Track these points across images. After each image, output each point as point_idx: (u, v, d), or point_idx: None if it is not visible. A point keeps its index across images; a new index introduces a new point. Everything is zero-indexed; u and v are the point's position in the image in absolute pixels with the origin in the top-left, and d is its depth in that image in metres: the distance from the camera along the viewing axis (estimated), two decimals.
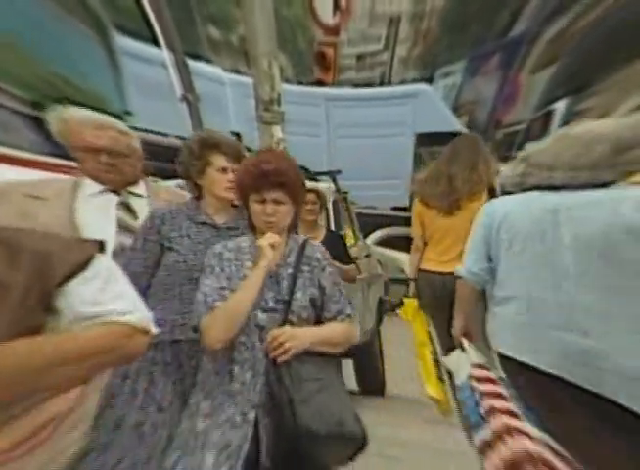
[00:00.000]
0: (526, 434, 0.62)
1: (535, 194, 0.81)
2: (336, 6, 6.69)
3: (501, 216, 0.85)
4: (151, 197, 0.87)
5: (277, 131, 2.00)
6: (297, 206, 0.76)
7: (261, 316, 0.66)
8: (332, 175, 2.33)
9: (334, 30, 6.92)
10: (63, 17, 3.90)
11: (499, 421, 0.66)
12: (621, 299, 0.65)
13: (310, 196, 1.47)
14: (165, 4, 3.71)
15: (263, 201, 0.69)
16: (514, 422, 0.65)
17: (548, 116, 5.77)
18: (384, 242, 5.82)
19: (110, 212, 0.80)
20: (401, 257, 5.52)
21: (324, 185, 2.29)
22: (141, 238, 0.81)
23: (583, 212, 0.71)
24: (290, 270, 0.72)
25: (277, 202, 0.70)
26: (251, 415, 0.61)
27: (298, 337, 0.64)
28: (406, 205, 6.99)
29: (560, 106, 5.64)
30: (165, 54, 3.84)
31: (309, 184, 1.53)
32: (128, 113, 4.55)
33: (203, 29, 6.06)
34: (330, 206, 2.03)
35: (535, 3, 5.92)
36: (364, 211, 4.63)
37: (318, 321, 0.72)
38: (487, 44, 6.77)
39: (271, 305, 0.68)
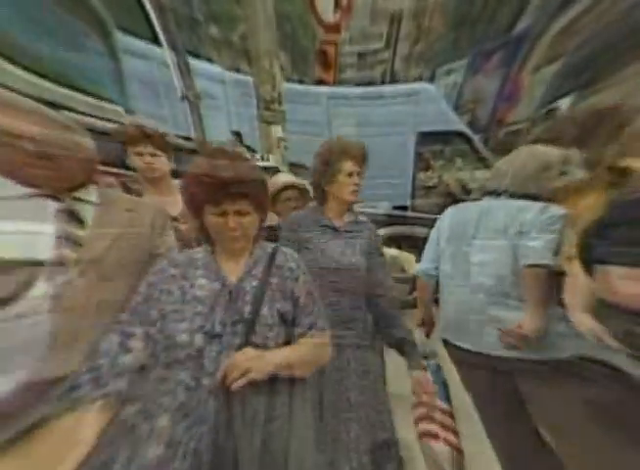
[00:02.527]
0: (435, 406, 0.94)
1: (475, 202, 0.96)
2: (337, 3, 6.65)
3: (447, 221, 1.01)
4: (104, 205, 0.71)
5: (277, 130, 1.99)
6: (264, 214, 0.65)
7: (203, 343, 0.51)
8: None
9: (335, 28, 6.88)
10: (63, 14, 3.89)
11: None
12: (514, 282, 0.82)
13: (292, 193, 1.45)
14: (167, 2, 3.70)
15: (223, 214, 0.57)
16: (433, 412, 0.95)
17: (551, 114, 5.71)
18: (384, 241, 5.81)
19: (41, 222, 0.61)
20: (402, 255, 5.51)
21: None
22: (284, 239, 0.90)
23: (494, 214, 0.89)
24: (255, 283, 0.61)
25: (240, 213, 0.59)
26: None
27: (261, 360, 0.52)
28: (407, 204, 6.98)
29: (564, 103, 5.59)
30: (166, 53, 3.83)
31: (291, 179, 1.51)
32: (130, 111, 4.55)
33: (204, 28, 6.04)
34: None
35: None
36: (365, 210, 4.62)
37: (287, 340, 0.61)
38: (490, 41, 6.72)
39: (218, 329, 0.54)
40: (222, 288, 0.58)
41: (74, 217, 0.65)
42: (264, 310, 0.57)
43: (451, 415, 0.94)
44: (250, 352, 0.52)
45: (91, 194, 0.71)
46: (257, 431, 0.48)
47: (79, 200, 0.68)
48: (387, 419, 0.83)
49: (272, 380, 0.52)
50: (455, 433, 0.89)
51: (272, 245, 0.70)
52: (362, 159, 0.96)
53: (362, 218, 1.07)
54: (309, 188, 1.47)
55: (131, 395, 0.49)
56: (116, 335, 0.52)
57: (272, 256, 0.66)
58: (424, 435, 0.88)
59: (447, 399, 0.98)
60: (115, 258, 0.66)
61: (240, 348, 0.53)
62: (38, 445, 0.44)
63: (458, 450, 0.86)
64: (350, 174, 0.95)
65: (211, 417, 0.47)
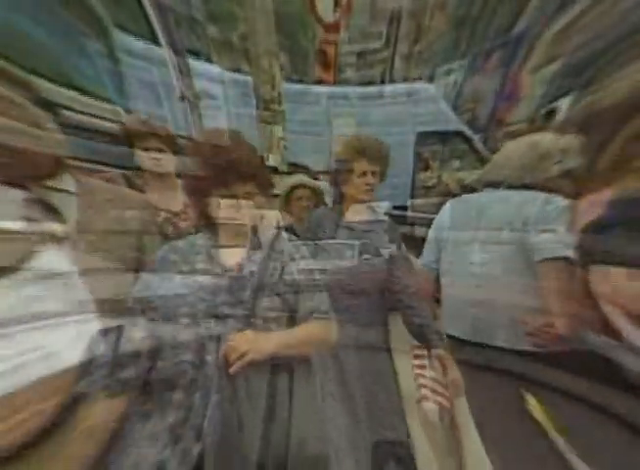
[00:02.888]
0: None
1: (474, 195, 0.99)
2: (336, 3, 6.64)
3: (448, 215, 1.03)
4: (82, 195, 0.68)
5: (277, 130, 2.00)
6: (267, 197, 0.67)
7: (214, 326, 0.55)
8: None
9: (334, 28, 6.87)
10: (61, 14, 3.89)
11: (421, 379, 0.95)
12: (522, 279, 0.83)
13: (304, 192, 1.49)
14: (166, 2, 3.71)
15: (233, 196, 0.60)
16: (425, 380, 0.93)
17: (551, 113, 5.72)
18: None
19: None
20: None
21: (325, 183, 2.28)
22: (303, 241, 0.90)
23: (495, 208, 0.88)
24: (255, 267, 0.64)
25: (249, 195, 0.62)
26: (196, 449, 0.50)
27: (260, 342, 0.54)
28: (406, 204, 6.99)
29: (564, 103, 5.59)
30: (166, 52, 3.83)
31: (302, 179, 1.56)
32: (129, 111, 4.55)
33: (203, 28, 6.04)
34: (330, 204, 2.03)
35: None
36: None
37: (291, 322, 0.63)
38: (490, 41, 6.72)
39: (226, 311, 0.57)
40: (223, 273, 0.62)
41: (47, 208, 0.61)
42: (264, 294, 0.60)
43: (446, 387, 0.97)
44: (249, 333, 0.54)
45: (65, 183, 0.67)
46: (262, 399, 0.52)
47: (52, 189, 0.64)
48: (395, 419, 0.83)
49: (273, 364, 0.55)
50: (449, 400, 0.93)
51: (272, 231, 0.73)
52: (379, 158, 0.96)
53: (382, 216, 1.06)
54: (322, 188, 1.51)
55: (155, 371, 0.54)
56: (121, 323, 0.55)
57: (272, 241, 0.69)
58: (419, 400, 0.93)
59: None
60: (104, 248, 0.65)
61: (242, 328, 0.56)
62: (57, 445, 0.49)
63: (451, 418, 0.91)
64: (364, 174, 0.95)
65: (218, 392, 0.51)
